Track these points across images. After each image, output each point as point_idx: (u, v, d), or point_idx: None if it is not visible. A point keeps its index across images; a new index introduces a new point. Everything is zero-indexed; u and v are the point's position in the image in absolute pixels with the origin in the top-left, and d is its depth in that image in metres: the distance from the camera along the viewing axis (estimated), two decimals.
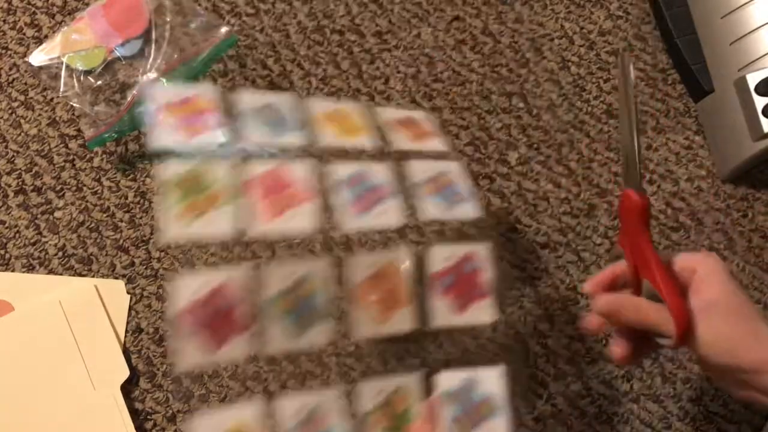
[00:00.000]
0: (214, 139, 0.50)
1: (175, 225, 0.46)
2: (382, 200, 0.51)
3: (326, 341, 0.49)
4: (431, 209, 0.52)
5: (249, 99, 0.52)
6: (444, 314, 0.51)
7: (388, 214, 0.50)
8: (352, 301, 0.50)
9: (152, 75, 0.73)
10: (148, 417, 0.66)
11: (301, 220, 0.48)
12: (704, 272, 0.50)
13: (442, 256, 0.51)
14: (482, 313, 0.51)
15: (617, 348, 0.53)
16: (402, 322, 0.50)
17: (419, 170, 0.53)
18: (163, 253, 0.71)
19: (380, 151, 0.53)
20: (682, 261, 0.52)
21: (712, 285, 0.50)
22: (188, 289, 0.47)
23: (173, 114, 0.50)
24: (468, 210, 0.53)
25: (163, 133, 0.49)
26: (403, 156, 0.53)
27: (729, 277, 0.50)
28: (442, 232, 0.54)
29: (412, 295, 0.51)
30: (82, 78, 0.74)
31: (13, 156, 0.76)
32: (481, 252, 0.52)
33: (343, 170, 0.51)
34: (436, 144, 0.55)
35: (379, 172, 0.52)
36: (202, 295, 0.47)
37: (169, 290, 0.48)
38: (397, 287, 0.50)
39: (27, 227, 0.73)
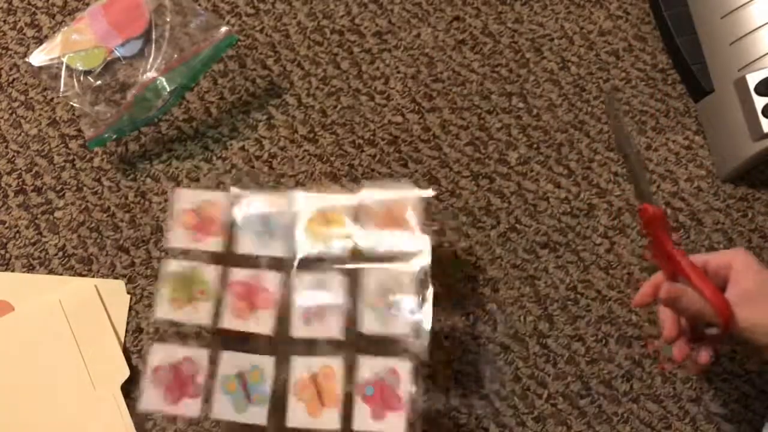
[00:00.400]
0: (214, 247, 0.63)
1: (166, 308, 0.61)
2: (328, 312, 0.60)
3: (264, 422, 0.58)
4: (371, 324, 0.60)
5: (247, 210, 0.64)
6: (363, 419, 0.58)
7: (330, 327, 0.60)
8: (292, 393, 0.59)
9: (152, 75, 0.73)
10: (148, 417, 0.66)
11: (262, 322, 0.60)
12: (739, 266, 0.57)
13: (369, 367, 0.59)
14: (395, 424, 0.57)
15: (677, 350, 0.60)
16: (331, 420, 0.58)
17: (373, 281, 0.61)
18: (164, 254, 0.71)
19: (348, 255, 0.62)
20: (717, 259, 0.58)
21: (748, 276, 0.56)
22: (163, 353, 0.60)
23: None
24: (403, 327, 0.60)
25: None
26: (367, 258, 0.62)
27: (761, 267, 0.56)
28: (378, 342, 0.61)
29: (342, 397, 0.58)
30: (82, 78, 0.74)
31: (14, 156, 0.76)
32: (403, 369, 0.59)
33: (304, 281, 0.61)
34: (407, 241, 0.62)
35: (335, 284, 0.61)
36: (172, 361, 0.60)
37: (149, 352, 0.60)
38: (331, 389, 0.59)
39: (27, 227, 0.73)
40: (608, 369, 0.69)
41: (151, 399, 0.59)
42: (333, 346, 0.60)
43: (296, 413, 0.58)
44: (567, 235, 0.73)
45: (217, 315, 0.61)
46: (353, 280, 0.61)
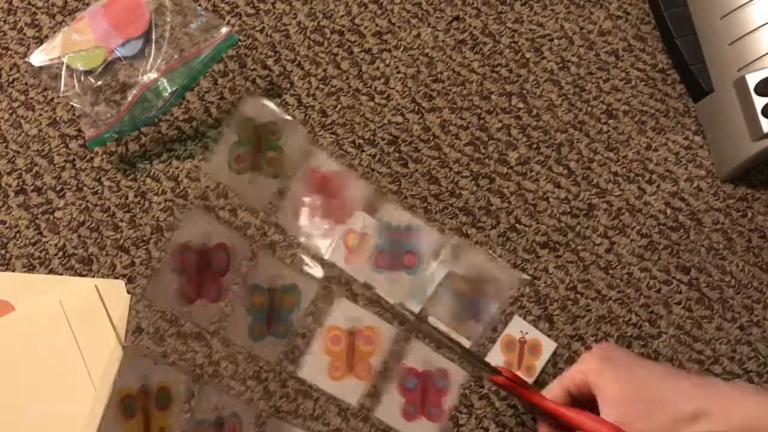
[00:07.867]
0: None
1: (224, 169, 0.45)
2: (407, 272, 0.48)
3: (273, 359, 0.47)
4: (445, 314, 0.49)
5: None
6: (390, 412, 0.48)
7: (401, 290, 0.48)
8: (319, 340, 0.48)
9: (152, 75, 0.73)
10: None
11: (325, 240, 0.47)
12: (597, 381, 0.51)
13: (422, 355, 0.48)
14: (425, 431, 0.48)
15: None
16: (352, 392, 0.48)
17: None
18: (163, 253, 0.71)
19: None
20: (573, 379, 0.53)
21: (611, 389, 0.50)
22: (195, 228, 0.46)
23: None
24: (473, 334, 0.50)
25: None
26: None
27: (614, 364, 0.51)
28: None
29: (374, 372, 0.48)
30: (82, 78, 0.74)
31: (14, 156, 0.76)
32: (456, 376, 0.49)
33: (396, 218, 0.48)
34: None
35: (429, 239, 0.48)
36: (203, 243, 0.46)
37: (180, 218, 0.48)
38: (366, 356, 0.48)
39: (27, 227, 0.73)
40: None
41: (164, 289, 0.45)
42: (390, 311, 0.49)
43: (315, 367, 0.47)
44: (567, 235, 0.73)
45: (281, 195, 0.47)
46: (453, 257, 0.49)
